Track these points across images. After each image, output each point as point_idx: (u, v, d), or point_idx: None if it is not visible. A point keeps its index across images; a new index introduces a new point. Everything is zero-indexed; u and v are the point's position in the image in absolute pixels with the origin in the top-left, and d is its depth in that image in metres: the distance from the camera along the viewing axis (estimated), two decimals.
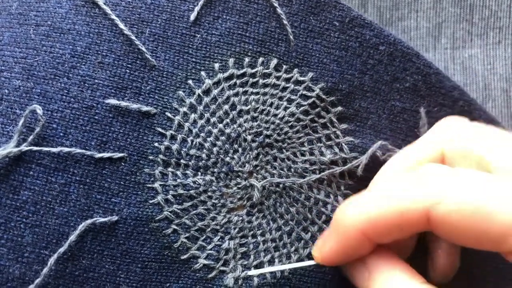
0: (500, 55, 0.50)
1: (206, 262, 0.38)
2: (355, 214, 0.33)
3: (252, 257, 0.38)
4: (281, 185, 0.39)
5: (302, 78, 0.39)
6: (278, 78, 0.39)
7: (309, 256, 0.39)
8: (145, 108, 0.37)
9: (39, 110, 0.35)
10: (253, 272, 0.38)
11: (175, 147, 0.37)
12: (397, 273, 0.32)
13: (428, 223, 0.30)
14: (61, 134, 0.36)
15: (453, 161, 0.34)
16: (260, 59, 0.39)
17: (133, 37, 0.37)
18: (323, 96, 0.40)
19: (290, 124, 0.39)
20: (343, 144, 0.40)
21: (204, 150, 0.38)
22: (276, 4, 0.39)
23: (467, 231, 0.29)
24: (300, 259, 0.39)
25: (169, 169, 0.37)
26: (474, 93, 0.50)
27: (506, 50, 0.49)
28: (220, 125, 0.38)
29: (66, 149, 0.35)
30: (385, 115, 0.41)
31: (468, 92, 0.49)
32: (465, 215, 0.28)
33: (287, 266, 0.38)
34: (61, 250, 0.35)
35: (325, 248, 0.35)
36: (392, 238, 0.33)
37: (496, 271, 0.43)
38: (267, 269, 0.38)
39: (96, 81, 0.36)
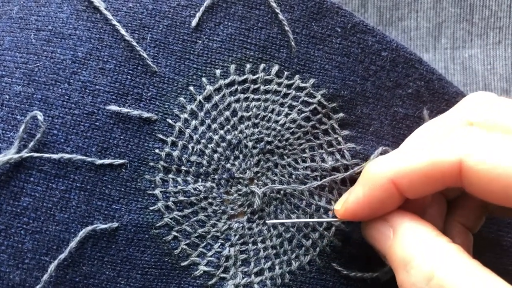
0: (500, 55, 0.49)
1: (206, 269, 0.38)
2: (387, 164, 0.33)
3: (252, 264, 0.38)
4: (282, 192, 0.39)
5: (303, 85, 0.39)
6: (279, 84, 0.39)
7: (310, 263, 0.39)
8: (146, 115, 0.37)
9: (40, 116, 0.35)
10: (271, 221, 0.38)
11: (176, 153, 0.37)
12: (423, 230, 0.32)
13: (459, 176, 0.30)
14: (62, 140, 0.36)
15: None
16: (262, 65, 0.39)
17: (134, 43, 0.37)
18: (325, 103, 0.39)
19: (291, 130, 0.39)
20: (345, 151, 0.40)
21: (205, 157, 0.38)
22: (278, 10, 0.38)
23: (494, 184, 0.29)
24: (301, 266, 0.39)
25: (170, 175, 0.37)
26: None
27: (506, 50, 0.49)
28: (221, 132, 0.38)
29: (66, 156, 0.35)
30: (387, 121, 0.41)
31: (468, 92, 0.49)
32: (494, 167, 0.28)
33: (308, 220, 0.38)
34: (62, 256, 0.35)
35: (349, 200, 0.34)
36: (422, 191, 0.32)
37: None
38: (286, 220, 0.38)
39: (97, 87, 0.36)
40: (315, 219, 0.38)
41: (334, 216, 0.36)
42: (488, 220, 0.43)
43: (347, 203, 0.34)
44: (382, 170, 0.33)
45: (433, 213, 0.38)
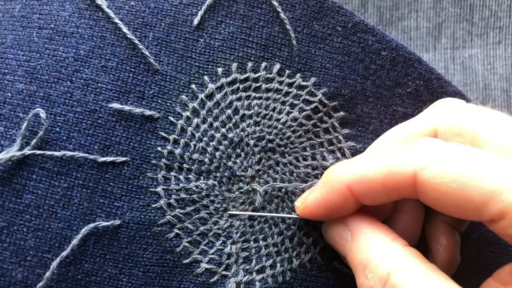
0: (500, 55, 0.50)
1: (208, 266, 0.38)
2: (344, 169, 0.33)
3: (254, 261, 0.38)
4: (283, 190, 0.39)
5: (304, 83, 0.39)
6: (280, 83, 0.39)
7: (311, 260, 0.39)
8: (148, 112, 0.37)
9: (42, 114, 0.35)
10: (233, 212, 0.38)
11: (178, 151, 0.37)
12: (379, 234, 0.33)
13: (414, 188, 0.31)
14: (64, 138, 0.36)
15: (446, 138, 0.34)
16: (263, 64, 0.39)
17: (137, 41, 0.37)
18: (326, 101, 0.40)
19: (292, 129, 0.39)
20: (345, 149, 0.40)
21: (207, 155, 0.38)
22: (279, 9, 0.39)
23: (450, 197, 0.29)
24: (302, 264, 0.39)
25: (172, 173, 0.37)
26: (474, 93, 0.50)
27: (506, 50, 0.49)
28: (223, 130, 0.38)
29: (69, 153, 0.35)
30: (387, 120, 0.41)
31: (468, 92, 0.50)
32: (449, 181, 0.29)
33: (269, 215, 0.39)
34: (64, 254, 0.35)
35: (309, 199, 0.35)
36: (376, 199, 0.33)
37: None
38: (249, 213, 0.39)
39: (99, 85, 0.36)
40: (277, 214, 0.39)
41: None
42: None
43: (306, 202, 0.35)
44: (339, 175, 0.33)
45: (406, 218, 0.38)
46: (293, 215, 0.38)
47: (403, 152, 0.31)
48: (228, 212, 0.38)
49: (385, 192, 0.32)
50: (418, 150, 0.31)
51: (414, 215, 0.38)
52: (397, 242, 0.32)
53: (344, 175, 0.33)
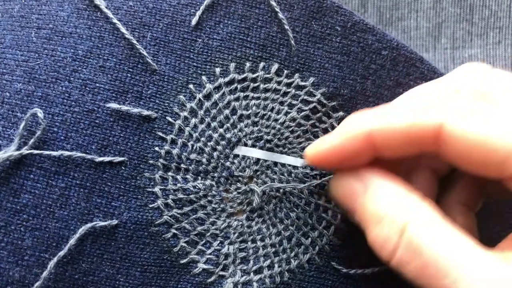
0: (500, 55, 0.49)
1: (205, 266, 0.38)
2: (367, 117, 0.32)
3: (251, 262, 0.38)
4: (281, 190, 0.39)
5: (303, 83, 0.39)
6: (279, 83, 0.39)
7: (309, 261, 0.39)
8: (145, 112, 0.37)
9: (40, 114, 0.35)
10: (238, 152, 0.38)
11: (175, 151, 0.37)
12: (395, 186, 0.31)
13: (435, 142, 0.30)
14: (62, 137, 0.36)
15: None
16: (261, 64, 0.39)
17: (135, 41, 0.37)
18: (325, 101, 0.39)
19: (291, 129, 0.39)
20: None
21: (205, 155, 0.38)
22: (277, 9, 0.38)
23: (474, 150, 0.29)
24: (300, 265, 0.39)
25: (169, 173, 0.37)
26: None
27: (506, 50, 0.49)
28: (221, 130, 0.38)
29: (66, 153, 0.35)
30: None
31: None
32: (474, 133, 0.28)
33: (276, 159, 0.38)
34: (61, 253, 0.35)
35: (321, 146, 0.33)
36: (397, 151, 0.32)
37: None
38: (254, 154, 0.38)
39: (97, 85, 0.36)
40: (284, 159, 0.38)
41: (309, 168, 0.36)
42: (491, 221, 0.42)
43: (318, 148, 0.33)
44: (361, 122, 0.32)
45: (420, 189, 0.37)
46: (301, 161, 0.37)
47: (429, 104, 0.31)
48: (233, 152, 0.38)
49: (407, 143, 0.31)
50: (445, 103, 0.30)
51: (427, 187, 0.37)
52: (414, 194, 0.31)
53: (366, 122, 0.32)
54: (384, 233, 0.30)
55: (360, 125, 0.32)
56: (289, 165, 0.39)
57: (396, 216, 0.30)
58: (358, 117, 0.33)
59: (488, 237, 0.42)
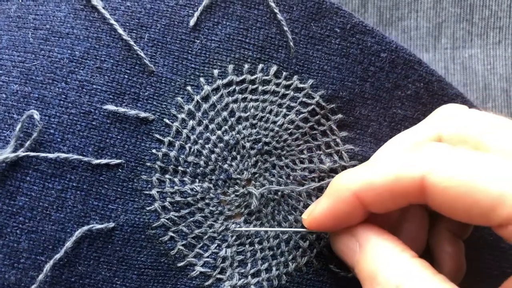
0: (500, 55, 0.49)
1: (202, 269, 0.37)
2: (351, 177, 0.33)
3: (249, 265, 0.38)
4: (279, 193, 0.39)
5: (302, 85, 0.39)
6: (277, 85, 0.39)
7: (307, 264, 0.39)
8: (143, 114, 0.37)
9: (37, 115, 0.35)
10: (238, 229, 0.38)
11: (173, 153, 0.37)
12: (388, 245, 0.32)
13: (421, 193, 0.30)
14: (59, 139, 0.35)
15: (451, 145, 0.33)
16: (260, 66, 0.38)
17: (132, 42, 0.37)
18: (323, 104, 0.39)
19: (289, 131, 0.39)
20: (343, 152, 0.40)
21: (202, 157, 0.38)
22: (276, 10, 0.38)
23: (458, 201, 0.29)
24: (298, 268, 0.39)
25: (167, 176, 0.37)
26: (474, 93, 0.49)
27: (506, 50, 0.49)
28: (219, 132, 0.38)
29: (63, 155, 0.35)
30: (386, 123, 0.41)
31: (468, 92, 0.49)
32: (457, 185, 0.28)
33: (276, 230, 0.38)
34: (57, 256, 0.35)
35: (316, 211, 0.35)
36: (385, 206, 0.32)
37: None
38: (254, 229, 0.38)
39: (94, 86, 0.36)
40: (284, 229, 0.38)
41: (303, 226, 0.37)
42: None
43: (313, 214, 0.35)
44: (345, 183, 0.33)
45: (411, 227, 0.38)
46: (301, 229, 0.38)
47: (410, 157, 0.31)
48: (232, 229, 0.38)
49: (393, 198, 0.32)
50: (425, 154, 0.31)
51: (419, 223, 0.38)
52: (406, 253, 0.31)
53: (351, 183, 0.33)
54: None
55: (345, 186, 0.33)
56: (288, 168, 0.39)
57: (389, 277, 0.30)
58: (342, 178, 0.34)
59: (483, 239, 0.42)
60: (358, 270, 0.33)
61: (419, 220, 0.38)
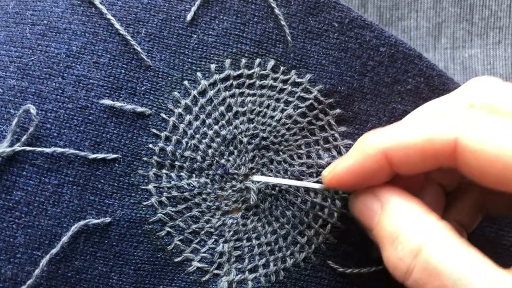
0: (500, 55, 0.49)
1: (199, 265, 0.37)
2: (381, 135, 0.32)
3: (246, 260, 0.38)
4: (277, 188, 0.38)
5: (299, 80, 0.39)
6: (275, 79, 0.38)
7: (305, 260, 0.39)
8: (139, 109, 0.36)
9: (33, 110, 0.35)
10: (257, 178, 0.37)
11: (169, 148, 0.37)
12: (412, 206, 0.31)
13: (454, 156, 0.29)
14: (55, 134, 0.35)
15: None
16: (257, 60, 0.38)
17: (129, 37, 0.37)
18: (321, 98, 0.39)
19: (287, 126, 0.38)
20: (341, 147, 0.39)
21: (199, 152, 0.37)
22: (274, 5, 0.38)
23: (490, 166, 0.28)
24: (296, 263, 0.38)
25: (164, 170, 0.37)
26: None
27: (506, 50, 0.49)
28: (216, 127, 0.38)
29: (59, 150, 0.35)
30: (386, 118, 0.40)
31: None
32: (491, 147, 0.28)
33: (294, 183, 0.37)
34: (54, 251, 0.35)
35: (339, 166, 0.33)
36: (414, 167, 0.31)
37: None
38: (271, 180, 0.38)
39: (91, 81, 0.36)
40: (302, 183, 0.37)
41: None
42: (489, 219, 0.42)
43: (335, 170, 0.34)
44: (376, 141, 0.32)
45: (428, 205, 0.37)
46: (318, 184, 0.37)
47: (443, 119, 0.30)
48: (249, 179, 0.38)
49: (424, 159, 0.31)
50: (460, 117, 0.30)
51: (436, 202, 0.37)
52: (431, 215, 0.30)
53: (381, 140, 0.32)
54: (399, 254, 0.30)
55: (374, 144, 0.32)
56: (285, 163, 0.39)
57: (412, 237, 0.29)
58: (372, 136, 0.33)
59: (485, 236, 0.42)
60: (378, 230, 0.32)
61: (436, 201, 0.37)
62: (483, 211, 0.38)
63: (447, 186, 0.38)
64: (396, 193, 0.32)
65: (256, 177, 0.38)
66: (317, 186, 0.37)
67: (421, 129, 0.31)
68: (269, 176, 0.38)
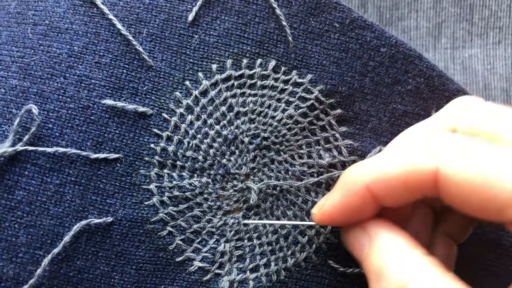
0: (500, 55, 0.49)
1: (201, 264, 0.37)
2: (363, 169, 0.32)
3: (248, 260, 0.38)
4: (278, 188, 0.39)
5: (300, 80, 0.39)
6: (276, 79, 0.39)
7: (306, 259, 0.39)
8: (141, 109, 0.37)
9: (35, 110, 0.35)
10: (248, 222, 0.38)
11: (171, 148, 0.37)
12: (399, 241, 0.31)
13: (436, 186, 0.29)
14: (57, 134, 0.35)
15: None
16: (259, 61, 0.38)
17: (131, 37, 0.37)
18: (322, 98, 0.39)
19: (288, 126, 0.39)
20: (342, 147, 0.39)
21: (201, 152, 0.38)
22: (275, 5, 0.38)
23: (473, 195, 0.28)
24: (296, 263, 0.38)
25: (165, 170, 0.37)
26: (474, 93, 0.49)
27: (506, 50, 0.49)
28: (217, 127, 0.38)
29: (61, 149, 0.35)
30: (386, 118, 0.41)
31: (468, 92, 0.49)
32: (472, 177, 0.28)
33: (286, 223, 0.38)
34: (56, 250, 0.35)
35: (326, 205, 0.34)
36: (398, 199, 0.32)
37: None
38: (264, 221, 0.38)
39: (93, 81, 0.36)
40: (293, 222, 0.38)
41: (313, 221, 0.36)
42: None
43: (323, 208, 0.34)
44: (357, 176, 0.32)
45: (416, 224, 0.37)
46: (311, 222, 0.37)
47: (424, 149, 0.30)
48: (242, 222, 0.38)
49: (406, 190, 0.31)
50: (440, 145, 0.30)
51: (423, 222, 0.38)
52: (417, 250, 0.30)
53: (363, 175, 0.32)
54: None
55: (356, 179, 0.32)
56: (286, 163, 0.39)
57: (397, 273, 0.29)
58: (354, 170, 0.33)
59: (485, 236, 0.42)
60: (367, 264, 0.32)
61: (424, 218, 0.37)
62: (474, 222, 0.38)
63: (436, 206, 0.38)
64: (384, 227, 0.33)
65: (247, 221, 0.38)
66: (311, 223, 0.37)
67: (401, 161, 0.31)
68: (270, 176, 0.39)
